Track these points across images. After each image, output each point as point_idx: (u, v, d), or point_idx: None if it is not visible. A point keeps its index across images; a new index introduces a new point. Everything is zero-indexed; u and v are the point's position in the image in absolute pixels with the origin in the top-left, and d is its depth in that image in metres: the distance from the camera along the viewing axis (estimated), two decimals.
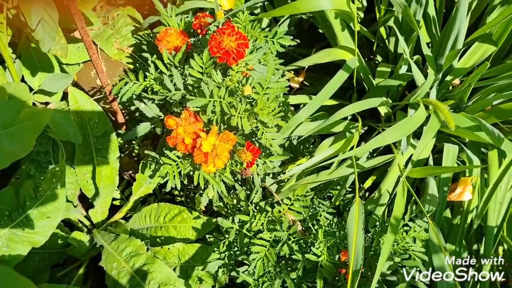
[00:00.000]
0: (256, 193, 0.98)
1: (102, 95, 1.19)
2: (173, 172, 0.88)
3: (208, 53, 0.86)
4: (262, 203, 0.98)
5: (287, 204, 0.95)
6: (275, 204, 0.97)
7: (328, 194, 1.18)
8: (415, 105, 1.10)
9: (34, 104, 0.97)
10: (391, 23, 1.23)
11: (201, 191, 1.12)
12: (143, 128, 0.95)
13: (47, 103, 1.10)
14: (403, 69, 1.14)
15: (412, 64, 1.04)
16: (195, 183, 0.89)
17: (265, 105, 0.84)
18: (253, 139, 0.94)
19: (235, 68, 0.88)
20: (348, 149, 0.91)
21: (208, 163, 0.83)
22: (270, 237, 0.93)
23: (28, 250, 0.83)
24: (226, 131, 0.85)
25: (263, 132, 0.87)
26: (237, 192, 1.06)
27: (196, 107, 0.85)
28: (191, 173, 0.92)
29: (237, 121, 0.84)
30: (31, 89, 1.03)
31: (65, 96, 1.17)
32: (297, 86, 1.31)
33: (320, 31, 1.50)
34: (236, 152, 0.88)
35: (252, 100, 0.89)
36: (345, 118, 1.00)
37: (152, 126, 0.96)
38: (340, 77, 1.00)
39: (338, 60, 1.23)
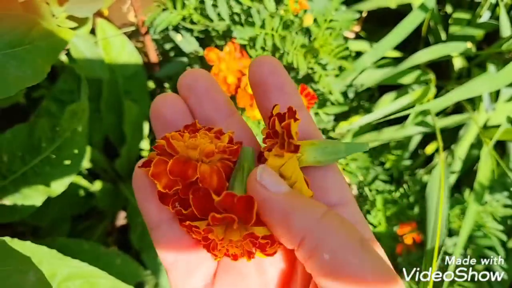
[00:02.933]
0: None
1: (132, 29, 1.06)
2: None
3: None
4: None
5: (341, 164, 0.81)
6: None
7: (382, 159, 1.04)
8: (495, 60, 0.93)
9: None
10: None
11: None
12: (177, 65, 0.82)
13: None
14: (484, 17, 0.97)
15: (502, 8, 0.86)
16: None
17: (326, 41, 0.69)
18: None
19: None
20: (426, 101, 0.75)
21: (254, 106, 0.69)
22: None
23: (42, 199, 0.71)
24: None
25: (321, 75, 0.72)
26: None
27: (243, 39, 0.71)
28: None
29: (292, 59, 0.69)
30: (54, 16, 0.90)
31: (93, 32, 1.05)
32: (352, 36, 1.15)
33: None
34: None
35: (309, 36, 0.74)
36: (417, 67, 0.84)
37: (189, 62, 0.83)
38: (415, 18, 0.83)
39: (402, 7, 1.06)
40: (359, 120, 0.79)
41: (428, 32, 1.09)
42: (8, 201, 0.69)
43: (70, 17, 0.88)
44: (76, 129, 0.69)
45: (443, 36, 1.05)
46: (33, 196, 0.69)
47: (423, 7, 0.85)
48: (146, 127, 1.07)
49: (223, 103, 0.29)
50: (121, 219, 1.17)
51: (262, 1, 0.72)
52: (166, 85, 1.06)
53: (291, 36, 0.71)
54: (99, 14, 1.05)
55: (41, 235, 0.97)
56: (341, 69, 0.76)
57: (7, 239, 0.56)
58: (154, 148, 0.26)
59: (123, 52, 0.99)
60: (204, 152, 0.26)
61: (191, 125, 0.27)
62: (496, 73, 0.72)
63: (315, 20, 0.70)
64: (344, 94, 0.93)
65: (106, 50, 0.99)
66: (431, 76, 0.83)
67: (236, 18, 0.77)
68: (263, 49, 0.73)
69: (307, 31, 0.74)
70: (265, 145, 0.27)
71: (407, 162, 0.99)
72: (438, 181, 0.64)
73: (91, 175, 1.08)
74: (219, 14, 0.76)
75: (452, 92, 0.73)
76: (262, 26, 0.70)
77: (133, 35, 1.10)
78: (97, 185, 0.96)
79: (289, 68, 0.75)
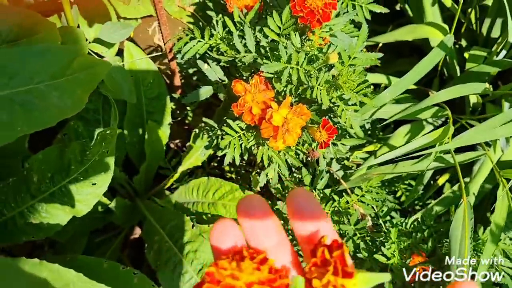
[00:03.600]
0: (321, 179, 0.86)
1: (158, 54, 1.10)
2: (235, 144, 0.77)
3: (289, 11, 0.74)
4: (327, 191, 0.87)
5: (357, 195, 0.83)
6: (343, 193, 0.86)
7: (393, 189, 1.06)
8: (509, 98, 0.96)
9: (89, 54, 0.88)
10: (488, 1, 1.08)
11: (258, 170, 1.02)
12: (205, 92, 0.85)
13: (101, 57, 1.02)
14: (500, 55, 0.99)
15: None
16: (258, 160, 0.78)
17: (349, 78, 0.72)
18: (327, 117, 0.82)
19: (317, 32, 0.76)
20: (446, 140, 0.78)
21: (277, 138, 0.72)
22: (333, 229, 0.82)
23: (68, 219, 0.74)
24: (300, 104, 0.73)
25: (343, 109, 0.75)
26: (295, 174, 0.96)
27: (269, 73, 0.74)
28: (253, 148, 0.81)
29: (316, 93, 0.72)
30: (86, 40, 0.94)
31: (119, 53, 1.09)
32: (367, 66, 1.18)
33: (397, 8, 1.36)
34: (309, 129, 0.76)
35: (330, 71, 0.77)
36: (436, 105, 0.87)
37: (215, 90, 0.86)
38: (434, 56, 0.86)
39: (420, 40, 1.09)
40: (379, 157, 0.81)
41: (443, 65, 1.12)
42: (34, 219, 0.71)
43: (98, 40, 0.92)
44: (104, 152, 0.72)
45: (458, 69, 1.08)
46: (59, 216, 0.72)
47: (442, 45, 0.88)
48: (164, 147, 1.10)
49: (274, 231, 0.33)
50: (136, 233, 1.20)
51: (289, 36, 0.75)
52: (188, 108, 1.10)
53: (315, 71, 0.73)
54: None
55: (59, 248, 0.99)
56: (361, 103, 0.78)
57: (35, 261, 0.58)
58: (206, 274, 0.29)
59: (148, 74, 1.02)
60: (246, 283, 0.28)
61: (239, 251, 0.30)
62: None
63: (339, 57, 0.73)
64: (361, 126, 0.95)
65: (132, 72, 1.02)
66: (448, 112, 0.86)
67: (262, 50, 0.80)
68: (288, 82, 0.75)
69: (330, 67, 0.77)
70: (312, 273, 0.30)
71: (419, 192, 1.01)
72: (462, 221, 0.66)
73: (109, 190, 1.10)
74: (245, 46, 0.79)
75: (471, 132, 0.75)
76: (288, 61, 0.73)
77: (157, 57, 1.13)
78: (115, 202, 0.99)
79: (312, 101, 0.78)
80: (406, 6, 1.17)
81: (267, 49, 0.78)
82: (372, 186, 0.82)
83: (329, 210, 0.84)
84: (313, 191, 0.86)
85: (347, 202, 0.84)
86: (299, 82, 0.74)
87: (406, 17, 1.24)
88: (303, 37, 0.79)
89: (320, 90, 0.73)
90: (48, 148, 0.74)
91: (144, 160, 1.08)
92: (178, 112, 1.16)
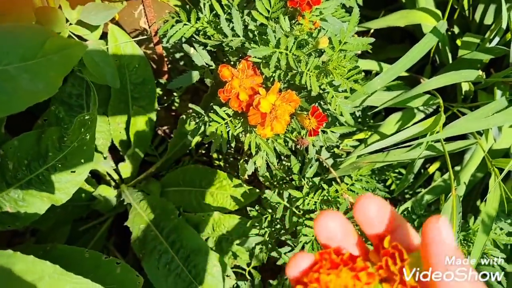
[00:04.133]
0: (310, 167, 0.85)
1: (144, 37, 1.06)
2: (221, 132, 0.75)
3: None
4: (316, 179, 0.85)
5: (346, 184, 0.81)
6: (332, 182, 0.84)
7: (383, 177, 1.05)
8: (502, 86, 0.94)
9: (69, 37, 0.84)
10: None
11: (246, 157, 1.00)
12: (191, 77, 0.82)
13: (83, 40, 0.98)
14: (493, 42, 0.98)
15: None
16: (246, 147, 0.76)
17: (340, 64, 0.70)
18: (316, 104, 0.80)
19: (307, 16, 0.73)
20: (437, 129, 0.76)
21: (265, 125, 0.69)
22: None
23: (46, 207, 0.71)
24: (289, 90, 0.71)
25: (333, 96, 0.72)
26: (284, 162, 0.94)
27: (257, 58, 0.71)
28: (241, 135, 0.79)
29: (306, 79, 0.70)
30: (67, 22, 0.90)
31: (104, 36, 1.05)
32: (359, 52, 1.16)
33: None
34: (298, 116, 0.74)
35: (321, 56, 0.75)
36: (427, 92, 0.85)
37: (201, 75, 0.83)
38: (427, 43, 0.84)
39: (412, 26, 1.07)
40: (370, 146, 0.79)
41: (435, 52, 1.10)
42: (10, 208, 0.68)
43: (81, 22, 0.88)
44: (84, 138, 0.69)
45: (450, 57, 1.06)
46: (36, 204, 0.69)
47: (435, 31, 0.86)
48: (151, 133, 1.07)
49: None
50: (122, 221, 1.17)
51: (278, 20, 0.72)
52: (175, 93, 1.07)
53: (304, 56, 0.71)
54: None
55: (41, 237, 0.97)
56: (352, 90, 0.76)
57: (9, 252, 0.55)
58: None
59: (134, 59, 0.99)
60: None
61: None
62: (509, 108, 0.73)
63: (329, 42, 0.70)
64: (351, 113, 0.93)
65: (116, 56, 0.99)
66: (440, 100, 0.84)
67: (250, 34, 0.77)
68: (276, 67, 0.73)
69: (320, 52, 0.74)
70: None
71: (409, 181, 0.99)
72: (450, 213, 0.64)
73: (94, 177, 1.08)
74: (233, 30, 0.76)
75: (463, 121, 0.74)
76: (277, 46, 0.70)
77: (143, 41, 1.10)
78: (100, 190, 0.96)
79: (301, 87, 0.75)
80: None
81: (256, 33, 0.76)
82: (362, 174, 0.81)
83: (318, 199, 0.82)
84: (302, 179, 0.85)
85: (337, 191, 0.82)
86: (288, 68, 0.72)
87: (398, 2, 1.22)
88: (293, 21, 0.76)
89: (310, 76, 0.70)
90: (24, 134, 0.70)
91: (129, 147, 1.06)
92: (165, 97, 1.13)
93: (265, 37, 0.73)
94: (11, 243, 0.90)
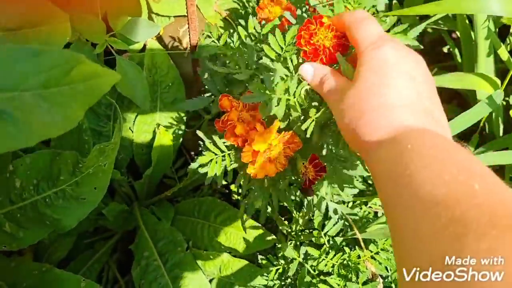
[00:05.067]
0: (335, 224, 0.78)
1: (181, 52, 1.03)
2: (216, 164, 0.69)
3: (293, 34, 0.64)
4: (338, 239, 0.78)
5: (371, 251, 0.74)
6: (355, 246, 0.77)
7: None
8: None
9: (109, 48, 0.81)
10: None
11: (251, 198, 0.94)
12: (200, 102, 0.78)
13: (124, 52, 0.95)
14: None
15: None
16: (237, 184, 0.70)
17: None
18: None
19: None
20: None
21: (256, 165, 0.63)
22: (339, 285, 0.73)
23: (47, 233, 0.66)
24: (292, 132, 0.64)
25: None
26: (305, 210, 0.87)
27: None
28: (239, 170, 0.72)
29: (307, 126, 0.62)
30: (109, 31, 0.87)
31: (142, 49, 1.02)
32: None
33: (445, 50, 1.27)
34: (297, 162, 0.67)
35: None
36: None
37: (211, 102, 0.79)
38: (479, 111, 0.77)
39: (465, 89, 1.00)
40: None
41: (486, 120, 1.02)
42: (10, 228, 0.64)
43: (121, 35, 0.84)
44: (101, 166, 0.64)
45: (501, 129, 0.98)
46: (38, 228, 0.65)
47: (490, 100, 0.79)
48: (173, 156, 1.03)
49: None
50: (128, 239, 1.12)
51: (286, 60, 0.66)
52: (207, 116, 1.02)
53: (309, 104, 0.64)
54: None
55: (42, 247, 0.93)
56: None
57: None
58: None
59: (168, 77, 0.96)
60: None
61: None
62: None
63: None
64: None
65: (151, 72, 0.96)
66: None
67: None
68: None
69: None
70: None
71: None
72: None
73: (108, 190, 1.04)
74: (247, 64, 0.71)
75: None
76: (285, 91, 0.64)
77: (182, 61, 1.07)
78: (110, 208, 0.92)
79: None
80: (456, 51, 1.08)
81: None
82: (390, 244, 0.74)
83: (336, 262, 0.75)
84: (323, 236, 0.78)
85: (359, 256, 0.75)
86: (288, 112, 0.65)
87: (452, 59, 1.15)
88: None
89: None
90: (37, 152, 0.66)
91: (149, 166, 1.01)
92: (194, 120, 1.09)
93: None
94: (11, 252, 0.86)
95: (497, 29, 0.96)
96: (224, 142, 0.69)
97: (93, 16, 0.73)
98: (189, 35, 0.83)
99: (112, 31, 0.77)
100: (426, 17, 1.08)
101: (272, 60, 0.66)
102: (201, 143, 0.78)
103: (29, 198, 0.65)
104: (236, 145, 0.67)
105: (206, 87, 0.98)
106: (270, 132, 0.61)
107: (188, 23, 0.79)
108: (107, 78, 0.45)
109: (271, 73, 0.62)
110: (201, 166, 0.71)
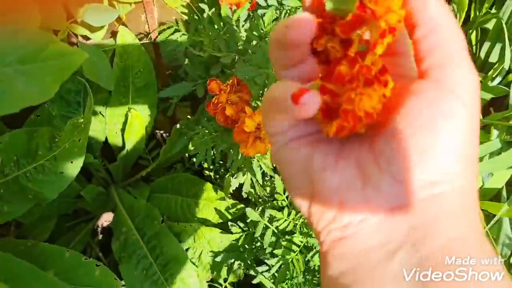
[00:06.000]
0: None
1: (147, 41, 1.07)
2: (206, 146, 0.75)
3: (272, 12, 0.71)
4: None
5: None
6: None
7: None
8: (499, 126, 0.93)
9: (72, 36, 0.85)
10: (489, 25, 1.06)
11: (233, 172, 1.00)
12: (183, 88, 0.83)
13: (87, 39, 0.99)
14: (495, 81, 0.97)
15: None
16: (228, 164, 0.76)
17: None
18: None
19: None
20: None
21: (248, 144, 0.69)
22: (302, 242, 0.80)
23: (29, 206, 0.71)
24: None
25: None
26: (272, 180, 0.93)
27: (246, 77, 0.72)
28: (227, 150, 0.79)
29: None
30: (71, 19, 0.91)
31: (112, 36, 1.06)
32: None
33: None
34: None
35: None
36: None
37: (193, 87, 0.84)
38: None
39: None
40: None
41: None
42: None
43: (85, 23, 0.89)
44: (76, 140, 0.70)
45: None
46: (21, 202, 0.70)
47: None
48: (146, 137, 1.08)
49: None
50: (108, 220, 1.18)
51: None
52: (173, 101, 1.07)
53: None
54: (116, 19, 1.06)
55: (25, 230, 0.97)
56: None
57: None
58: None
59: (139, 63, 1.00)
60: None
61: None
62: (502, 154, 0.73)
63: None
64: None
65: (122, 58, 1.00)
66: None
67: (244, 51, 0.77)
68: (264, 87, 0.73)
69: None
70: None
71: None
72: None
73: (84, 174, 1.08)
74: (228, 46, 0.77)
75: None
76: (266, 66, 0.70)
77: (146, 46, 1.11)
78: (88, 189, 0.97)
79: None
80: None
81: (249, 51, 0.76)
82: None
83: (298, 222, 0.82)
84: (286, 199, 0.84)
85: None
86: None
87: None
88: None
89: None
90: (15, 131, 0.71)
91: (123, 149, 1.06)
92: (162, 102, 1.14)
93: (257, 56, 0.73)
94: None
95: None
96: (212, 124, 0.75)
97: (54, 5, 0.77)
98: (147, 21, 0.88)
99: (73, 18, 0.82)
100: None
101: (257, 41, 0.72)
102: (178, 125, 0.83)
103: (10, 173, 0.70)
104: (226, 126, 0.72)
105: (180, 72, 1.03)
106: (259, 114, 0.67)
107: (144, 9, 0.83)
108: (77, 56, 0.53)
109: (261, 50, 0.68)
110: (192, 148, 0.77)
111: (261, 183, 0.84)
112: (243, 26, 0.80)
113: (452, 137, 0.24)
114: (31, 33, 0.58)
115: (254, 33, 0.72)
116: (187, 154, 1.14)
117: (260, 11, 0.84)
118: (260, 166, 0.79)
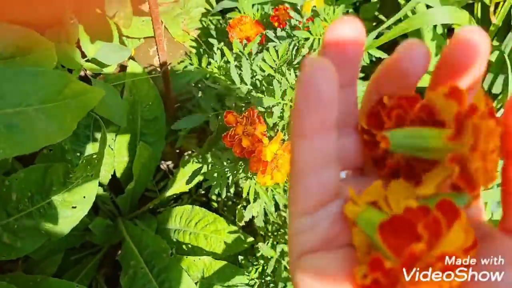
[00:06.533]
0: None
1: (156, 75, 1.09)
2: (221, 176, 0.76)
3: (286, 47, 0.74)
4: None
5: None
6: None
7: None
8: None
9: (83, 72, 0.87)
10: (492, 57, 1.09)
11: (244, 203, 1.01)
12: (196, 120, 0.84)
13: (97, 75, 1.02)
14: (499, 112, 0.99)
15: None
16: (244, 194, 0.77)
17: None
18: None
19: None
20: None
21: (265, 173, 0.70)
22: None
23: (43, 241, 0.72)
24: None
25: None
26: (283, 213, 0.94)
27: (262, 108, 0.73)
28: (241, 181, 0.80)
29: None
30: (84, 56, 0.93)
31: (121, 70, 1.08)
32: None
33: None
34: None
35: None
36: None
37: (207, 119, 0.85)
38: None
39: None
40: None
41: None
42: (8, 239, 0.69)
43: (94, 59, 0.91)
44: (89, 176, 0.70)
45: None
46: (34, 237, 0.70)
47: None
48: (154, 170, 1.08)
49: None
50: (115, 253, 1.17)
51: (284, 72, 0.74)
52: (182, 132, 1.08)
53: None
54: None
55: (32, 264, 0.97)
56: None
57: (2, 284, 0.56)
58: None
59: (148, 96, 1.02)
60: None
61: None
62: None
63: None
64: None
65: (132, 92, 1.01)
66: None
67: (258, 83, 0.79)
68: (280, 118, 0.75)
69: None
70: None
71: None
72: None
73: (92, 207, 1.08)
74: (241, 78, 0.78)
75: None
76: (282, 97, 0.72)
77: (155, 79, 1.13)
78: (96, 222, 0.97)
79: None
80: None
81: (263, 82, 0.78)
82: None
83: None
84: None
85: None
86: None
87: None
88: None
89: None
90: (30, 167, 0.72)
91: (131, 181, 1.07)
92: (170, 134, 1.15)
93: (271, 88, 0.75)
94: (2, 270, 0.90)
95: (445, 30, 1.06)
96: (226, 156, 0.76)
97: (68, 44, 0.79)
98: (158, 56, 0.90)
99: (85, 56, 0.84)
100: (380, 22, 1.17)
101: (270, 75, 0.74)
102: (197, 155, 0.84)
103: (24, 209, 0.71)
104: (242, 157, 0.73)
105: (191, 104, 1.04)
106: (275, 143, 0.69)
107: (156, 45, 0.86)
108: (94, 94, 0.54)
109: (278, 83, 0.70)
110: (205, 180, 0.77)
111: (273, 215, 0.85)
112: (253, 59, 0.82)
113: None
114: (51, 73, 0.60)
115: (269, 65, 0.74)
116: (193, 186, 1.14)
117: (270, 43, 0.87)
118: (274, 197, 0.80)
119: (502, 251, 0.22)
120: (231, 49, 0.83)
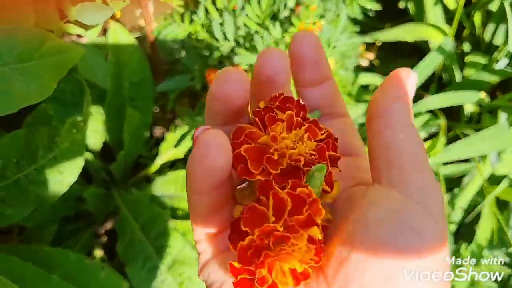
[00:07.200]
0: None
1: (142, 36, 1.04)
2: None
3: (268, 1, 0.69)
4: None
5: None
6: None
7: None
8: (507, 109, 0.91)
9: (65, 35, 0.82)
10: (493, 7, 1.03)
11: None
12: (180, 81, 0.80)
13: (81, 37, 0.97)
14: (500, 63, 0.95)
15: None
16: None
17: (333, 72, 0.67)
18: None
19: (297, 23, 0.71)
20: (435, 152, 0.73)
21: None
22: None
23: (32, 208, 0.69)
24: None
25: None
26: None
27: (245, 65, 0.70)
28: None
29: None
30: (64, 19, 0.89)
31: (105, 32, 1.03)
32: (366, 64, 1.13)
33: (401, 6, 1.31)
34: None
35: None
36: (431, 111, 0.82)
37: (191, 80, 0.81)
38: (432, 60, 0.82)
39: (420, 40, 1.04)
40: None
41: (443, 69, 1.07)
42: None
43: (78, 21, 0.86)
44: (75, 139, 0.67)
45: (457, 75, 1.03)
46: (23, 204, 0.68)
47: (440, 49, 0.84)
48: (146, 135, 1.05)
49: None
50: (111, 222, 1.15)
51: (268, 27, 0.70)
52: (171, 95, 1.05)
53: None
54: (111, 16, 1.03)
55: (27, 235, 0.95)
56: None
57: None
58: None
59: (133, 58, 0.97)
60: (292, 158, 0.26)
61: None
62: (507, 129, 0.70)
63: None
64: None
65: (116, 54, 0.97)
66: (442, 121, 0.81)
67: (241, 40, 0.75)
68: None
69: None
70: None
71: None
72: None
73: (84, 176, 1.06)
74: (224, 35, 0.74)
75: (460, 145, 0.71)
76: None
77: (143, 41, 1.08)
78: (89, 191, 0.95)
79: None
80: (408, 4, 1.12)
81: (246, 38, 0.74)
82: None
83: None
84: None
85: None
86: None
87: (408, 17, 1.19)
88: (287, 29, 0.74)
89: None
90: (14, 132, 0.69)
91: (123, 148, 1.04)
92: (160, 99, 1.12)
93: (255, 44, 0.71)
94: None
95: None
96: None
97: (47, 4, 0.75)
98: (144, 17, 0.85)
99: (66, 17, 0.79)
100: None
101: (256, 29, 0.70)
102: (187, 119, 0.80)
103: (11, 176, 0.68)
104: None
105: (180, 65, 1.00)
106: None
107: (140, 4, 0.81)
108: (73, 52, 0.52)
109: (261, 38, 0.66)
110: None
111: None
112: (239, 15, 0.77)
113: (421, 257, 0.22)
114: (27, 31, 0.56)
115: (253, 20, 0.69)
116: (187, 151, 1.11)
117: None
118: None
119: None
120: (214, 5, 0.79)
